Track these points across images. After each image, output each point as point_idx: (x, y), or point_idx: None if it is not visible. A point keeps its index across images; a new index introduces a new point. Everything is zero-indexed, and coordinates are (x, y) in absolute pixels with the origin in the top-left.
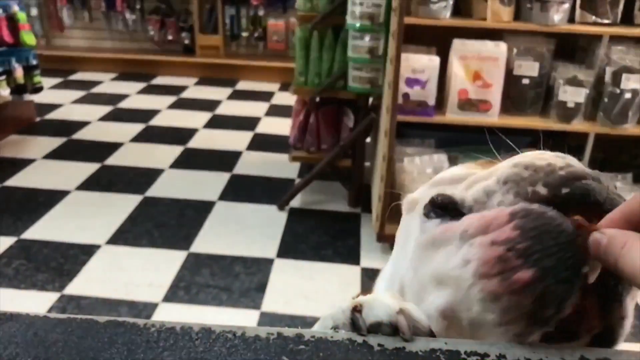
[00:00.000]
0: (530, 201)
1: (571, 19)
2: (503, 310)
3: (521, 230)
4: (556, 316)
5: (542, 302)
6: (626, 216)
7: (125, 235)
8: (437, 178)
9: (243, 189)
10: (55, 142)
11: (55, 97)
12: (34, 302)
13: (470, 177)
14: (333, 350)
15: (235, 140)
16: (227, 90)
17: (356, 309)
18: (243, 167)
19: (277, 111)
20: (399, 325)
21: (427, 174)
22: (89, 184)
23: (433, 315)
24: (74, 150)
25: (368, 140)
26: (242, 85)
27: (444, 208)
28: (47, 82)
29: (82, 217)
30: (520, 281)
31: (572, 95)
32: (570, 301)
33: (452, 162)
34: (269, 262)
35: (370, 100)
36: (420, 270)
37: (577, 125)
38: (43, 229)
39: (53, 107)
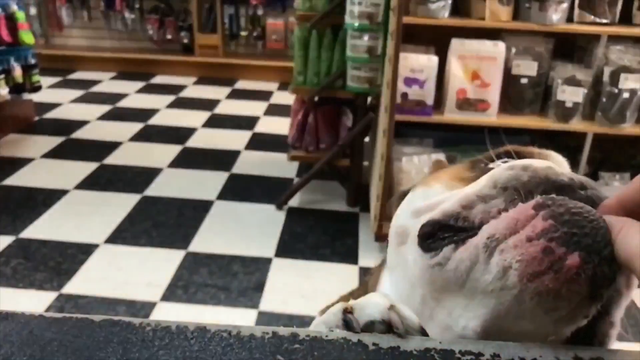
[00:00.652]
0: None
1: (570, 19)
2: (564, 303)
3: (553, 219)
4: (608, 292)
5: (595, 281)
6: (622, 202)
7: (124, 234)
8: (418, 206)
9: (241, 189)
10: (54, 141)
11: (54, 96)
12: (32, 301)
13: (455, 195)
14: (328, 349)
15: (234, 139)
16: (226, 90)
17: (347, 311)
18: (242, 166)
19: (275, 110)
20: (392, 321)
21: (425, 174)
22: (88, 183)
23: (471, 338)
24: (72, 149)
25: (367, 139)
26: (241, 84)
27: (441, 232)
28: (46, 81)
29: (81, 216)
30: (573, 267)
31: (571, 95)
32: (619, 274)
33: (451, 161)
34: (267, 261)
35: (369, 99)
36: (443, 298)
37: (576, 124)
38: (41, 228)
39: (52, 106)
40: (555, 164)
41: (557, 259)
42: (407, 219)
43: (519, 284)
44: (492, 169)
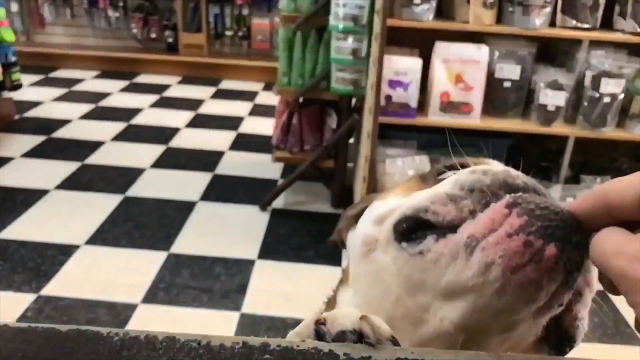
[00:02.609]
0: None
1: (552, 23)
2: (543, 294)
3: (527, 215)
4: (578, 277)
5: (568, 267)
6: (575, 215)
7: (105, 235)
8: (379, 214)
9: (225, 189)
10: (34, 140)
11: (35, 94)
12: (10, 303)
13: (418, 196)
14: None
15: (217, 139)
16: (211, 90)
17: (320, 322)
18: (225, 167)
19: (260, 111)
20: (363, 331)
21: (409, 176)
22: (69, 183)
23: (448, 330)
24: (53, 148)
25: (351, 141)
26: (226, 84)
27: (415, 229)
28: (27, 79)
29: (61, 217)
30: (551, 256)
31: (553, 99)
32: (587, 260)
33: (434, 163)
34: (250, 263)
35: (354, 101)
36: (420, 293)
37: (557, 128)
38: (20, 229)
39: (33, 104)
40: None
41: (537, 251)
42: (372, 227)
43: (502, 277)
44: (443, 179)
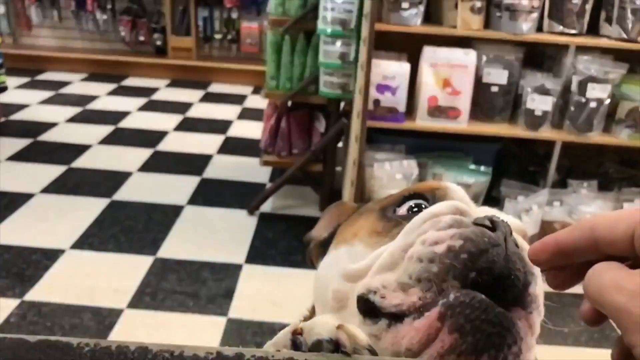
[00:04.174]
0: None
1: (539, 29)
2: None
3: (457, 332)
4: None
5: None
6: (560, 245)
7: (91, 239)
8: (348, 270)
9: (213, 193)
10: (20, 143)
11: (21, 97)
12: None
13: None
14: None
15: (206, 143)
16: (199, 93)
17: (296, 332)
18: (213, 170)
19: (249, 114)
20: (340, 340)
21: (397, 180)
22: (55, 187)
23: None
24: (39, 152)
25: (340, 145)
26: (215, 87)
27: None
28: (13, 81)
29: (46, 221)
30: None
31: (540, 104)
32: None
33: (422, 167)
34: (238, 267)
35: (342, 105)
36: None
37: (545, 133)
38: (4, 233)
39: (19, 107)
40: (455, 197)
41: None
42: (342, 283)
43: None
44: (402, 217)
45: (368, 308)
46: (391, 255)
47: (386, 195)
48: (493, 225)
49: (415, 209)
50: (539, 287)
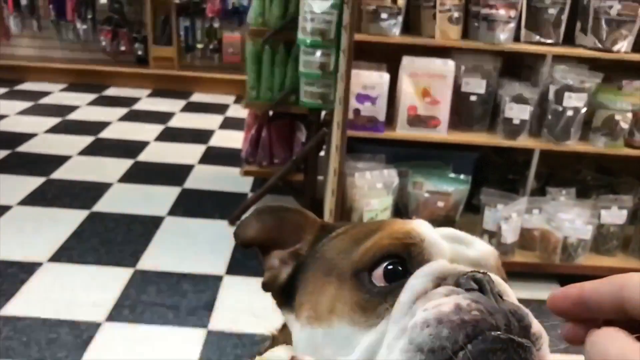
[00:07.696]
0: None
1: (517, 38)
2: None
3: None
4: None
5: None
6: (584, 298)
7: (69, 252)
8: None
9: (193, 204)
10: None
11: (0, 107)
12: None
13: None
14: None
15: (187, 153)
16: (181, 103)
17: None
18: (194, 181)
19: (231, 124)
20: None
21: (378, 189)
22: (33, 199)
23: None
24: (18, 163)
25: (322, 154)
26: (197, 97)
27: None
28: None
29: (24, 234)
30: None
31: (518, 112)
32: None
33: (402, 176)
34: (218, 279)
35: (323, 114)
36: None
37: (523, 141)
38: None
39: None
40: (432, 251)
41: None
42: None
43: None
44: (383, 289)
45: None
46: (389, 347)
47: (349, 238)
48: (478, 284)
49: (393, 273)
50: (536, 323)
